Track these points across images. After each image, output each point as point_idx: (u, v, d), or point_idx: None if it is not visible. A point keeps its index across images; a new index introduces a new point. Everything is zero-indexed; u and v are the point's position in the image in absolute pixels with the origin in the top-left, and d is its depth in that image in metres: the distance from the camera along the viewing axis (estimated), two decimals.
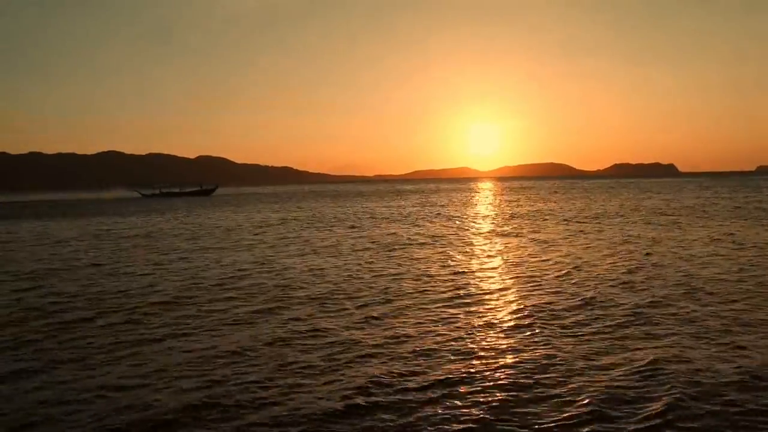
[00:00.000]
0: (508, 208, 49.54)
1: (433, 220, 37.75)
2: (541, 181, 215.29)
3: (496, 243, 23.67)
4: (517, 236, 26.05)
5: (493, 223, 34.29)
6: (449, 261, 18.81)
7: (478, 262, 18.64)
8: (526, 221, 34.38)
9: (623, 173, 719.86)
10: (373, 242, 24.91)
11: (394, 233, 28.79)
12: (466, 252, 21.04)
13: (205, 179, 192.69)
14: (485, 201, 65.84)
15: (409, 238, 26.14)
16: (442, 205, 57.29)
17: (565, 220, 34.85)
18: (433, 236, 26.96)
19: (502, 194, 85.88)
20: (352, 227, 33.20)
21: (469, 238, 25.55)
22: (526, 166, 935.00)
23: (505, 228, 30.23)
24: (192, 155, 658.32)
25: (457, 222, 35.62)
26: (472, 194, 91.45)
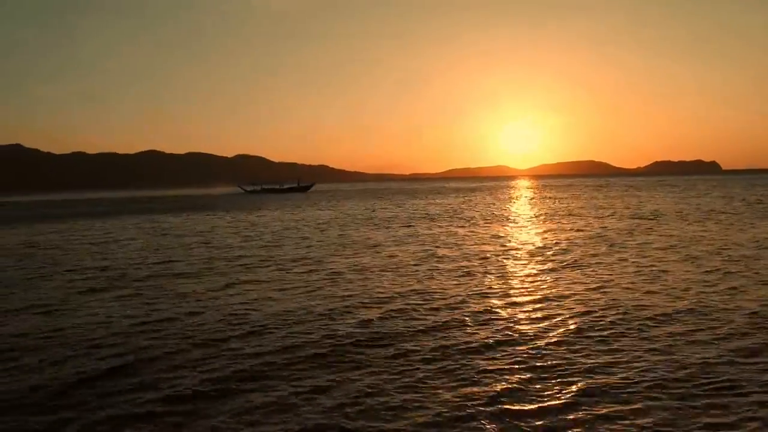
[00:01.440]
0: (586, 205, 47.85)
1: (531, 219, 36.28)
2: (584, 179, 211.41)
3: (619, 245, 22.18)
4: (641, 235, 24.48)
5: (589, 223, 32.55)
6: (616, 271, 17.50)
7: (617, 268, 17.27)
8: (628, 221, 32.58)
9: (664, 171, 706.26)
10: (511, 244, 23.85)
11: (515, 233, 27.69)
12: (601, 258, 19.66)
13: (242, 179, 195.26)
14: (545, 199, 64.00)
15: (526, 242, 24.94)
16: (511, 203, 56.00)
17: (679, 218, 33.20)
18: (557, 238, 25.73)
19: (557, 192, 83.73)
20: (471, 223, 32.59)
21: (585, 243, 23.45)
22: (564, 164, 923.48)
23: (617, 226, 28.69)
24: (230, 154, 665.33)
25: (540, 222, 34.19)
26: (522, 192, 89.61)
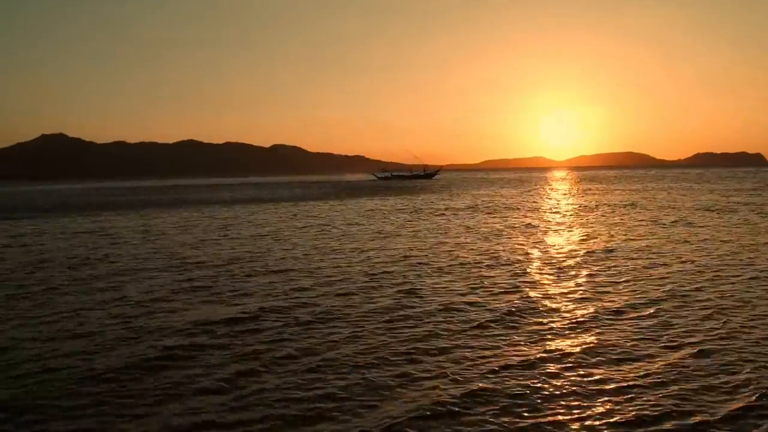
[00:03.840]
0: (655, 197, 46.42)
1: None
2: (628, 171, 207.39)
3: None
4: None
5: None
6: None
7: None
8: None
9: (707, 163, 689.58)
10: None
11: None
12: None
13: (279, 168, 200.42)
14: (610, 191, 62.62)
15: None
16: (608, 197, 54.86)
17: None
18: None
19: (611, 184, 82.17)
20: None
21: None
22: (603, 156, 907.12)
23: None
24: (266, 144, 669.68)
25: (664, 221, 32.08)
26: (576, 184, 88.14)
